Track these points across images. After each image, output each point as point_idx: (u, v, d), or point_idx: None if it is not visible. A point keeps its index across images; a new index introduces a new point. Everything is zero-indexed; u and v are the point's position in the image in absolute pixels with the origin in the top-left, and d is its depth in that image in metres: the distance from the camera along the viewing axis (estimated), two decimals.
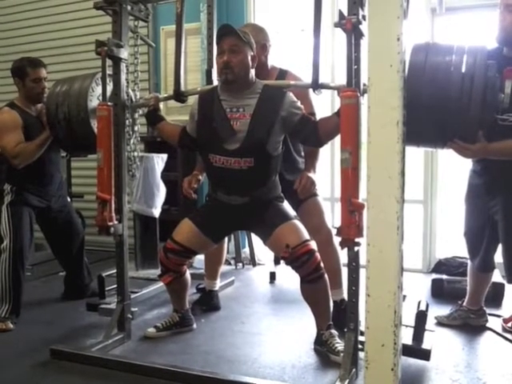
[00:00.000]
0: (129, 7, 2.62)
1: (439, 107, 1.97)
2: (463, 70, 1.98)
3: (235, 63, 2.28)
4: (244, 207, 2.43)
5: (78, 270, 3.36)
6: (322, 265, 2.35)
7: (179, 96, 2.61)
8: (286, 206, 2.50)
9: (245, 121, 2.31)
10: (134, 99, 2.84)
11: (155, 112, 2.62)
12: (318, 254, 2.34)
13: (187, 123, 2.53)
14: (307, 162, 2.69)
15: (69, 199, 3.46)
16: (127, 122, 2.73)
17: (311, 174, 2.53)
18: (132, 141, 2.90)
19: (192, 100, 2.60)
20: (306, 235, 2.38)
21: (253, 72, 2.38)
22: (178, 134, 2.55)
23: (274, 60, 2.84)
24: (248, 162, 2.31)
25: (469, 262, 2.74)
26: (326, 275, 2.37)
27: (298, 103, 2.35)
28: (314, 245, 2.37)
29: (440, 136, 2.09)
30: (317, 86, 2.28)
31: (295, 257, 2.30)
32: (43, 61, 3.12)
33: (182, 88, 2.61)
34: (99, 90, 2.67)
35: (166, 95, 2.98)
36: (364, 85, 2.02)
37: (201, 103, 2.46)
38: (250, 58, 2.34)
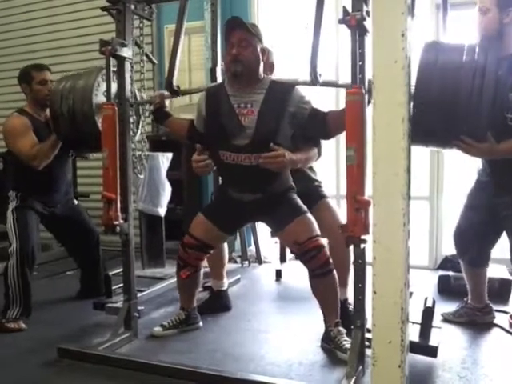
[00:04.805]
0: (132, 6, 2.61)
1: (449, 106, 1.94)
2: (474, 68, 1.96)
3: (245, 56, 2.28)
4: (256, 202, 2.43)
5: (95, 269, 3.36)
6: (330, 261, 2.36)
7: (171, 86, 2.56)
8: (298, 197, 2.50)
9: (253, 117, 2.31)
10: (139, 98, 2.84)
11: (162, 109, 2.62)
12: (326, 250, 2.36)
13: (195, 117, 2.53)
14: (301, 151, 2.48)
15: (76, 202, 3.46)
16: (132, 120, 2.73)
17: (293, 157, 2.31)
18: (137, 139, 2.90)
19: (198, 97, 2.59)
20: (316, 230, 2.39)
21: (262, 66, 2.36)
22: (187, 127, 2.56)
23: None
24: (258, 157, 2.29)
25: (460, 260, 2.71)
26: (335, 272, 2.37)
27: (307, 98, 2.34)
28: (322, 241, 2.38)
29: (449, 135, 2.07)
30: (316, 82, 2.26)
31: (304, 251, 2.34)
32: (46, 61, 3.14)
33: (187, 85, 2.60)
34: (105, 85, 2.66)
35: None
36: (369, 81, 2.02)
37: (208, 99, 2.45)
38: (259, 50, 2.33)
